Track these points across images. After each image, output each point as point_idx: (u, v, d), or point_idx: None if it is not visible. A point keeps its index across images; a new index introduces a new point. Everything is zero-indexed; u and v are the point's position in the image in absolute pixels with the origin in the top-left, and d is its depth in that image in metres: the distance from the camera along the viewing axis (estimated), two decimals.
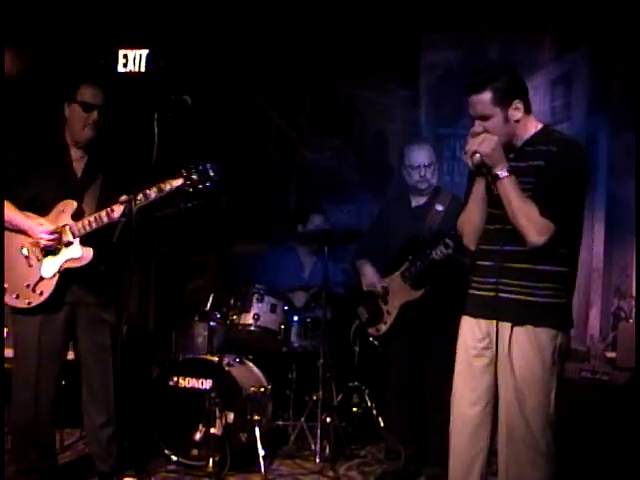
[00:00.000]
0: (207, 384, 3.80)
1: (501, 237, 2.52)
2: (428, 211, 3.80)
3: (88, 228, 3.15)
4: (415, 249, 3.70)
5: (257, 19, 5.27)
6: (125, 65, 5.22)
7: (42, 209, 3.22)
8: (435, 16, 5.25)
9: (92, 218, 3.15)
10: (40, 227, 3.16)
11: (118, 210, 3.10)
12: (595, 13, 4.73)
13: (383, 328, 3.87)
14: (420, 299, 3.71)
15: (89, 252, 3.17)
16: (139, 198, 3.07)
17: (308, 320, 4.37)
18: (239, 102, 5.56)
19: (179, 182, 3.10)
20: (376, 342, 4.06)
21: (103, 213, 3.13)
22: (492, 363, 2.56)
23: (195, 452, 3.74)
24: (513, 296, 2.51)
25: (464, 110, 2.62)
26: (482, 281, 2.60)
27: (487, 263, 2.59)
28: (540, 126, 2.58)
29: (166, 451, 3.79)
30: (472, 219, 2.64)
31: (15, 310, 3.22)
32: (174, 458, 3.78)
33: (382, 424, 4.16)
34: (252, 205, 5.38)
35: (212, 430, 3.62)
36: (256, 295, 4.20)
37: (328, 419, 3.98)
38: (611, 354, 3.49)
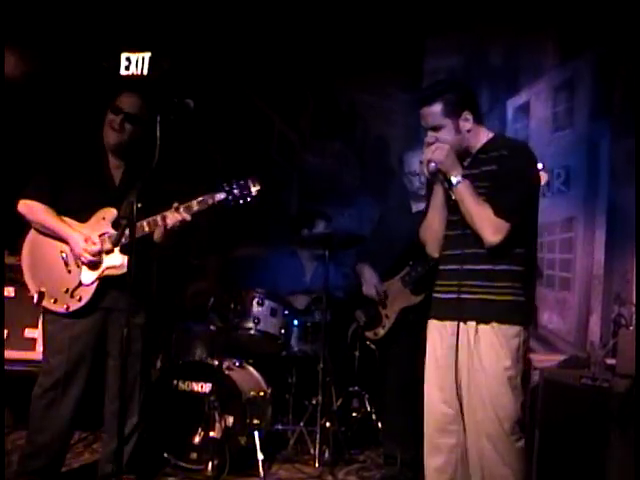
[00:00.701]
0: (207, 387, 3.79)
1: (461, 242, 2.62)
2: None
3: (129, 237, 3.11)
4: (416, 254, 3.70)
5: (259, 23, 5.28)
6: (128, 68, 5.23)
7: (79, 214, 3.21)
8: (438, 22, 5.26)
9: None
10: (82, 242, 3.14)
11: (171, 218, 3.11)
12: (598, 19, 4.73)
13: (381, 332, 3.88)
14: (420, 304, 3.70)
15: None
16: (181, 210, 3.10)
17: (308, 324, 4.37)
18: (241, 105, 5.57)
19: (222, 196, 3.12)
20: (373, 346, 4.06)
21: (146, 222, 3.12)
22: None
23: (194, 456, 3.73)
24: (475, 296, 2.60)
25: None
26: (445, 284, 2.70)
27: (449, 267, 2.69)
28: (491, 135, 2.70)
29: (165, 454, 3.78)
30: (433, 227, 2.75)
31: (47, 310, 3.21)
32: (173, 461, 3.77)
33: (381, 428, 4.17)
34: (253, 208, 5.37)
35: (211, 434, 3.63)
36: (256, 299, 4.20)
37: (328, 424, 3.99)
38: (611, 361, 3.47)
